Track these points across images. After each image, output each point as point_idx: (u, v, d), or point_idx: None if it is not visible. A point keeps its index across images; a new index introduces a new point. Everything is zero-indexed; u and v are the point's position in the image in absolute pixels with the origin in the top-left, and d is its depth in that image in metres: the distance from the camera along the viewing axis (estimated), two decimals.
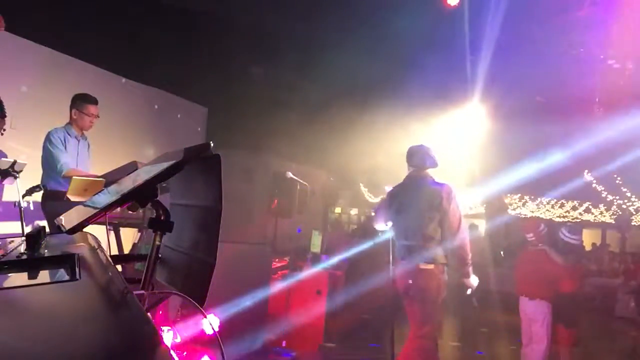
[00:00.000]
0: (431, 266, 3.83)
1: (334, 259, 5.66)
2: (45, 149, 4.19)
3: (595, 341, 5.72)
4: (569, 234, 4.79)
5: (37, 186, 3.96)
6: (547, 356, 4.67)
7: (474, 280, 3.98)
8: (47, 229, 1.58)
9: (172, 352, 0.82)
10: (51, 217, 3.88)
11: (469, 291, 4.03)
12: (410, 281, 3.86)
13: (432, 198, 3.89)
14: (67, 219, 1.46)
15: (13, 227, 4.21)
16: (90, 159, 4.54)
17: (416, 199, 3.98)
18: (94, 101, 4.32)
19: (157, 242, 1.39)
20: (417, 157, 4.08)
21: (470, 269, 3.94)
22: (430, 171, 4.11)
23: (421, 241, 3.88)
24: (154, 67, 6.16)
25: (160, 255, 1.45)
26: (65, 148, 4.23)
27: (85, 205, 1.63)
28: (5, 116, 3.65)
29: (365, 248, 5.63)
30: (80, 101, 4.30)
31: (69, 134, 4.29)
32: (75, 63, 5.58)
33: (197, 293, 1.35)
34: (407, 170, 4.19)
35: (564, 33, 5.48)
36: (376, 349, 5.34)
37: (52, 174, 4.15)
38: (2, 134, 3.69)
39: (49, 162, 4.17)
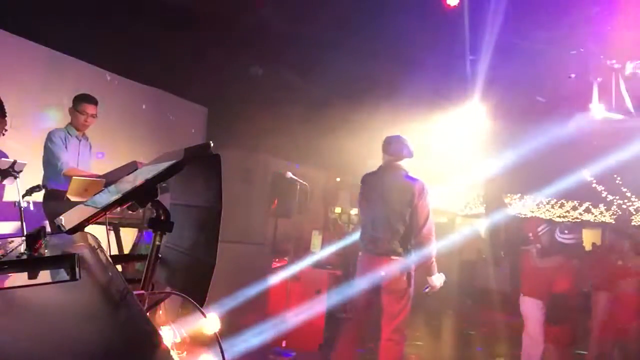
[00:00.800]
0: (400, 258, 3.87)
1: (321, 254, 5.65)
2: (46, 148, 4.21)
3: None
4: (560, 234, 4.81)
5: (37, 186, 3.96)
6: (540, 354, 4.73)
7: (437, 279, 3.96)
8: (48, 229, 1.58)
9: (172, 352, 0.82)
10: (51, 217, 3.89)
11: (426, 289, 4.01)
12: (383, 273, 3.87)
13: (404, 192, 3.91)
14: (67, 219, 1.46)
15: (13, 227, 4.21)
16: (92, 159, 4.55)
17: (389, 190, 3.99)
18: (90, 100, 4.33)
19: (157, 242, 1.39)
20: (394, 146, 4.09)
21: (435, 267, 3.92)
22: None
23: (389, 233, 3.90)
24: (154, 67, 6.15)
25: (160, 255, 1.45)
26: (66, 147, 4.25)
27: (85, 205, 1.63)
28: (5, 116, 3.65)
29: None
30: (77, 100, 4.32)
31: (69, 134, 4.31)
32: (75, 63, 5.58)
33: (197, 293, 1.35)
34: (382, 159, 4.17)
35: (564, 33, 5.48)
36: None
37: (52, 173, 4.16)
38: (3, 134, 3.70)
39: (49, 161, 4.19)
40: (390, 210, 3.92)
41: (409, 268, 3.91)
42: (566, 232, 4.79)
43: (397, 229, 3.90)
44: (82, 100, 4.32)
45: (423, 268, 3.93)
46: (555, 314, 4.68)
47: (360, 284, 4.03)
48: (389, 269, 3.88)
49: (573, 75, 6.01)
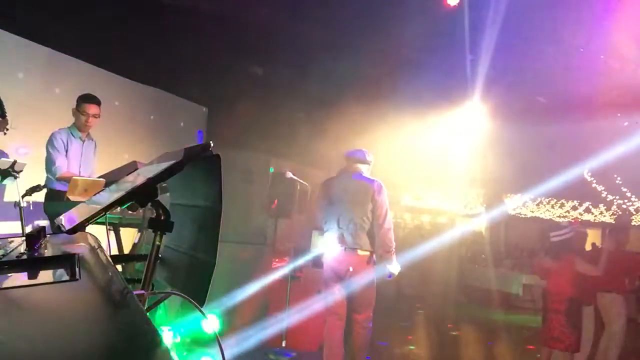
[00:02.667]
0: (367, 252, 4.24)
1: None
2: (46, 150, 4.20)
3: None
4: (551, 234, 4.81)
5: (37, 186, 3.96)
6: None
7: (395, 267, 4.26)
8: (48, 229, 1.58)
9: (172, 352, 0.82)
10: (52, 217, 3.89)
11: (390, 276, 4.31)
12: (352, 268, 4.22)
13: (365, 190, 4.28)
14: (67, 219, 1.46)
15: (13, 227, 4.21)
16: (95, 160, 4.53)
17: (350, 190, 4.35)
18: (91, 100, 4.27)
19: (157, 242, 1.39)
20: (350, 152, 4.54)
21: (394, 256, 4.24)
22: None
23: (354, 229, 4.26)
24: (153, 67, 6.14)
25: (160, 255, 1.45)
26: (67, 150, 4.23)
27: (85, 205, 1.63)
28: (5, 116, 3.65)
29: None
30: (79, 100, 4.29)
31: (72, 135, 4.28)
32: (75, 63, 5.58)
33: (197, 293, 1.35)
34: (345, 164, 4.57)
35: (565, 33, 5.47)
36: (383, 347, 5.36)
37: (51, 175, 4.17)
38: (4, 134, 3.69)
39: (47, 163, 4.18)
40: (354, 208, 4.29)
41: (373, 259, 4.27)
42: (558, 228, 4.81)
43: (361, 224, 4.24)
44: (83, 100, 4.27)
45: (384, 258, 4.25)
46: (574, 318, 4.65)
47: (330, 279, 4.33)
48: (357, 262, 4.23)
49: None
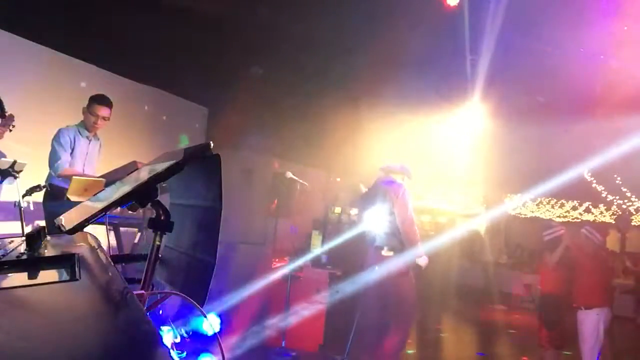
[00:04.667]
0: (391, 253, 4.56)
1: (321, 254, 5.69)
2: (51, 146, 4.20)
3: None
4: (544, 233, 4.88)
5: (37, 186, 3.96)
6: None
7: (422, 260, 4.60)
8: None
9: (172, 352, 0.82)
10: (51, 216, 3.89)
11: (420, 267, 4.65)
12: (377, 267, 4.58)
13: (384, 195, 4.66)
14: (67, 219, 1.46)
15: (13, 227, 4.21)
16: (99, 159, 4.53)
17: (377, 195, 4.76)
18: (103, 102, 4.26)
19: (157, 242, 1.39)
20: (392, 163, 4.94)
21: (421, 250, 4.57)
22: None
23: (380, 231, 4.63)
24: (153, 67, 6.14)
25: (160, 255, 1.45)
26: (73, 148, 4.23)
27: (85, 205, 1.63)
28: (5, 115, 3.65)
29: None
30: (91, 100, 4.29)
31: (79, 134, 4.28)
32: (75, 63, 5.58)
33: (197, 293, 1.35)
34: None
35: (565, 32, 5.47)
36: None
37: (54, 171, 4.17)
38: (10, 130, 3.70)
39: (51, 159, 4.18)
40: (379, 211, 4.65)
41: (402, 262, 4.52)
42: (549, 227, 4.91)
43: (386, 226, 4.60)
44: (95, 101, 4.27)
45: (412, 254, 4.55)
46: (549, 316, 4.70)
47: (366, 275, 4.68)
48: (381, 261, 4.57)
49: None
